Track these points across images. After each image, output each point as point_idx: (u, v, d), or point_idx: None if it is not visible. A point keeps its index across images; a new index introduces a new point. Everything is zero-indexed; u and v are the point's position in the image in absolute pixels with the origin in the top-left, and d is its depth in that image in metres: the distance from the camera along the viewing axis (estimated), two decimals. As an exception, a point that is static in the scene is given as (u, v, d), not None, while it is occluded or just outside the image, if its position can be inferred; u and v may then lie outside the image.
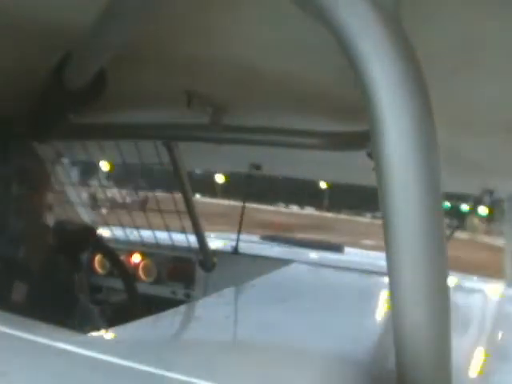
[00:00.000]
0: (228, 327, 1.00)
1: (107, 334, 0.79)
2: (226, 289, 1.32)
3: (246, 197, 2.45)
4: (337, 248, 2.78)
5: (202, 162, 2.40)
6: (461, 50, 0.77)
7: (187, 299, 2.16)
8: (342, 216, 20.92)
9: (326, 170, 2.15)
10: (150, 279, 2.27)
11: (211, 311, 1.12)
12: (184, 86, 1.22)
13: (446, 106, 0.93)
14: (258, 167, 2.13)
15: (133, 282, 1.88)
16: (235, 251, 2.23)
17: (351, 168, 1.88)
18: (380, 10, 0.45)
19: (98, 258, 2.32)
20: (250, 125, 1.45)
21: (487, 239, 14.72)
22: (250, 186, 2.36)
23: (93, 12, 0.75)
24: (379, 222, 0.49)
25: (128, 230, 2.31)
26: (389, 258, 0.48)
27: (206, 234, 2.21)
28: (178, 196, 2.10)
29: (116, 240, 2.24)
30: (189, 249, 2.18)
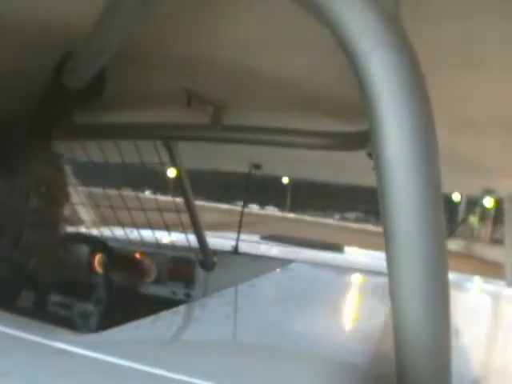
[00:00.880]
0: (228, 327, 1.00)
1: (107, 334, 0.79)
2: (226, 289, 1.32)
3: (246, 197, 2.44)
4: (337, 248, 2.78)
5: (202, 161, 2.40)
6: (461, 50, 0.77)
7: (187, 299, 2.16)
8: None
9: (326, 169, 2.15)
10: (150, 279, 2.27)
11: (211, 311, 1.12)
12: (184, 86, 1.22)
13: (445, 106, 0.94)
14: (258, 167, 2.13)
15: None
16: (235, 251, 2.23)
17: (351, 168, 1.88)
18: (380, 9, 0.45)
19: (98, 257, 2.32)
20: (250, 125, 1.45)
21: (489, 251, 10.12)
22: (250, 187, 2.36)
23: (93, 12, 0.75)
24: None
25: (128, 230, 2.31)
26: (389, 258, 0.48)
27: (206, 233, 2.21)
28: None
29: (116, 240, 2.24)
30: (189, 248, 2.18)
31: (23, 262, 1.20)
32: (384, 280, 0.50)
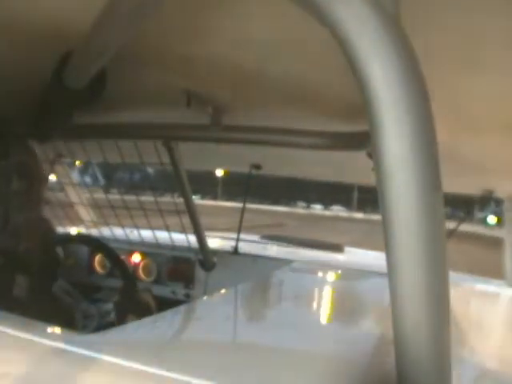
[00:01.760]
0: (228, 327, 1.00)
1: (107, 334, 0.79)
2: (225, 289, 1.32)
3: (246, 197, 2.44)
4: (337, 248, 2.78)
5: (202, 161, 2.40)
6: (461, 50, 0.77)
7: (187, 299, 2.16)
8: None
9: (326, 169, 2.15)
10: (149, 279, 2.27)
11: (211, 311, 1.12)
12: (184, 86, 1.22)
13: (446, 106, 0.94)
14: (258, 167, 2.13)
15: (134, 283, 1.89)
16: (235, 251, 2.23)
17: (351, 168, 1.89)
18: (380, 9, 0.45)
19: (98, 257, 2.32)
20: (250, 125, 1.45)
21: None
22: (250, 187, 2.36)
23: (93, 12, 0.75)
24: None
25: (128, 230, 2.31)
26: (389, 258, 0.48)
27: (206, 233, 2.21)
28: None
29: (116, 240, 2.24)
30: (189, 249, 2.18)
31: (13, 244, 1.25)
32: (384, 280, 0.50)
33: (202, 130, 1.45)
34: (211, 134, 1.44)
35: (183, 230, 2.19)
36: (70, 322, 1.42)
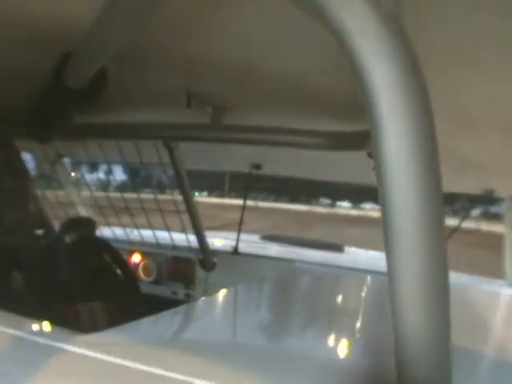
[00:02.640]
0: (228, 327, 1.00)
1: (107, 334, 0.79)
2: (225, 289, 1.32)
3: (247, 197, 2.44)
4: (337, 248, 2.78)
5: (202, 161, 2.40)
6: (461, 50, 0.77)
7: (187, 299, 2.16)
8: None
9: (326, 169, 2.15)
10: (149, 279, 2.27)
11: (211, 311, 1.12)
12: (184, 86, 1.22)
13: (446, 106, 0.94)
14: (258, 167, 2.13)
15: (136, 283, 1.89)
16: (235, 251, 2.23)
17: (351, 168, 1.88)
18: (380, 9, 0.45)
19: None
20: (250, 125, 1.45)
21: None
22: (250, 187, 2.36)
23: (93, 12, 0.75)
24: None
25: (128, 230, 2.31)
26: (389, 258, 0.48)
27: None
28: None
29: (116, 240, 2.24)
30: (189, 249, 2.18)
31: (7, 240, 1.26)
32: (384, 280, 0.50)
33: (202, 129, 1.45)
34: (211, 133, 1.44)
35: (183, 230, 2.19)
36: (71, 321, 1.42)
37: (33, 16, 0.82)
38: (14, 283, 1.23)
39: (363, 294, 1.57)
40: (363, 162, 1.27)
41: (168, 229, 2.21)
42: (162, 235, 2.24)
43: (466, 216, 2.28)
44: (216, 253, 2.20)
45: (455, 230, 2.09)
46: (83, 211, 2.56)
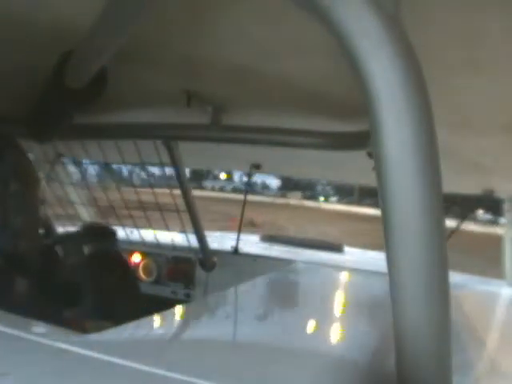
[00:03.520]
0: (228, 327, 1.00)
1: (107, 334, 0.79)
2: (225, 289, 1.32)
3: (246, 197, 2.44)
4: (337, 248, 2.78)
5: (202, 161, 2.40)
6: (461, 50, 0.77)
7: (187, 299, 2.16)
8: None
9: (326, 169, 2.15)
10: (150, 279, 2.27)
11: (211, 311, 1.12)
12: (184, 86, 1.22)
13: (446, 106, 0.94)
14: (258, 167, 2.13)
15: (136, 283, 1.89)
16: (235, 251, 2.23)
17: (351, 168, 1.88)
18: (380, 9, 0.45)
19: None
20: (250, 125, 1.45)
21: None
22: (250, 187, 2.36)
23: (93, 12, 0.75)
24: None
25: (128, 230, 2.31)
26: (389, 258, 0.48)
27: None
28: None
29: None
30: (189, 249, 2.18)
31: (12, 247, 1.25)
32: (384, 280, 0.50)
33: (202, 129, 1.45)
34: (211, 133, 1.44)
35: (183, 230, 2.19)
36: (71, 321, 1.42)
37: (33, 16, 0.82)
38: (19, 287, 1.23)
39: (363, 294, 1.57)
40: (363, 162, 1.27)
41: (168, 229, 2.21)
42: (163, 235, 2.24)
43: (465, 216, 2.28)
44: (216, 253, 2.20)
45: (454, 230, 2.09)
46: (83, 211, 2.56)
